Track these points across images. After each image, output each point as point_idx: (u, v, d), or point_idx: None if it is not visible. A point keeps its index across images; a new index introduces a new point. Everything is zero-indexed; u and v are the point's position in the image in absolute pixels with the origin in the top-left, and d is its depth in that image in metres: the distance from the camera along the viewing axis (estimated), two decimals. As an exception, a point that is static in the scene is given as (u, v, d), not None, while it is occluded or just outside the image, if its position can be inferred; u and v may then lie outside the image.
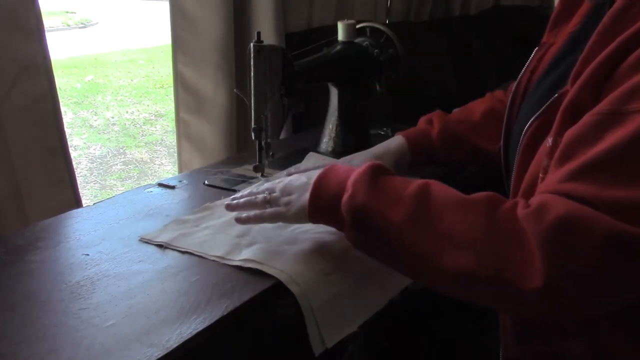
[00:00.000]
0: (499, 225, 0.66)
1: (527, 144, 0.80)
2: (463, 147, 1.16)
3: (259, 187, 0.91)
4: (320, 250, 0.87)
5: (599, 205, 0.61)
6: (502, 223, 0.66)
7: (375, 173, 0.76)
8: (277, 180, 0.89)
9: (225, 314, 0.73)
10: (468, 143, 1.15)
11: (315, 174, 0.82)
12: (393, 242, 0.71)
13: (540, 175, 0.74)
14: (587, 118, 0.67)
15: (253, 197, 0.88)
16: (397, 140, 1.17)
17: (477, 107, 1.20)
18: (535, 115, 0.79)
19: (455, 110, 1.22)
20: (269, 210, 0.86)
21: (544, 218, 0.63)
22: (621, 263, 0.61)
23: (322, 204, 0.79)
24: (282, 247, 0.87)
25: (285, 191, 0.85)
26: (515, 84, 0.98)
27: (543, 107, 0.78)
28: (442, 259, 0.67)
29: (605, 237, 0.60)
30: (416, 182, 0.74)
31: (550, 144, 0.72)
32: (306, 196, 0.80)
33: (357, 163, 1.06)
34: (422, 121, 1.22)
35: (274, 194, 0.86)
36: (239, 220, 0.89)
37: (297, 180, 0.85)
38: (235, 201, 0.90)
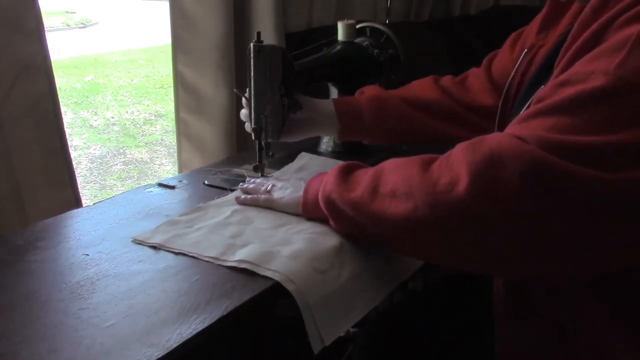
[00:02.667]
0: (432, 168, 0.72)
1: None
2: (393, 113, 1.19)
3: (268, 181, 1.06)
4: (314, 250, 0.87)
5: (531, 141, 0.65)
6: (437, 165, 0.72)
7: (344, 169, 0.88)
8: (282, 179, 1.05)
9: (225, 314, 0.73)
10: (400, 110, 1.19)
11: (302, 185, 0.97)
12: (357, 217, 0.82)
13: None
14: (561, 76, 0.70)
15: (261, 185, 1.05)
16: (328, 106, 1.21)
17: (416, 85, 1.25)
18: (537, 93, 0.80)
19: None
20: (264, 196, 1.01)
21: (477, 149, 0.68)
22: (541, 191, 0.63)
23: (309, 201, 0.94)
24: (275, 248, 0.87)
25: (284, 186, 1.01)
26: (505, 87, 1.01)
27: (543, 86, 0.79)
28: (389, 213, 0.75)
29: (529, 164, 0.63)
30: (377, 166, 0.83)
31: None
32: (300, 193, 0.96)
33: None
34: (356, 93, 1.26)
35: (274, 187, 1.02)
36: (237, 199, 1.03)
37: (298, 180, 1.02)
38: (246, 185, 1.07)
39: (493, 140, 0.68)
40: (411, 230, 0.75)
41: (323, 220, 0.95)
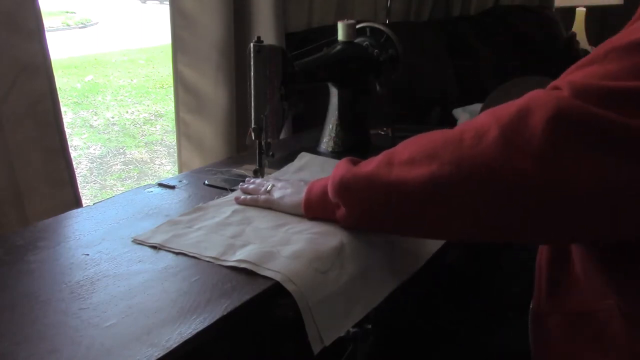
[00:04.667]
0: (454, 130, 0.70)
1: None
2: None
3: (267, 180, 1.06)
4: (314, 250, 0.87)
5: (564, 87, 0.64)
6: (461, 126, 0.70)
7: (352, 160, 0.87)
8: (281, 178, 1.06)
9: (225, 314, 0.73)
10: None
11: (303, 186, 0.97)
12: (374, 194, 0.78)
13: None
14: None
15: (261, 186, 1.04)
16: None
17: None
18: None
19: None
20: (264, 196, 1.01)
21: (508, 107, 0.67)
22: (569, 136, 0.62)
23: (313, 199, 0.93)
24: (276, 248, 0.87)
25: (284, 186, 1.01)
26: None
27: None
28: (412, 180, 0.72)
29: (554, 110, 0.62)
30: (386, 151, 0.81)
31: None
32: (301, 195, 0.95)
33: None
34: None
35: (274, 187, 1.02)
36: (237, 199, 1.04)
37: (298, 182, 1.02)
38: (246, 185, 1.07)
39: (527, 95, 0.67)
40: (437, 194, 0.71)
41: (324, 220, 0.95)
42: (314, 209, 0.94)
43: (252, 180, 1.09)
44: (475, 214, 0.70)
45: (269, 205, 1.01)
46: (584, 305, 0.81)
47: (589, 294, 0.80)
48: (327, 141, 1.37)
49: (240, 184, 1.09)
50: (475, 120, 0.69)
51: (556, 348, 0.86)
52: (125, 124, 5.26)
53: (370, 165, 0.80)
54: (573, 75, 0.67)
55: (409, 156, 0.73)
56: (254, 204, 1.02)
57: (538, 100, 0.65)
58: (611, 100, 0.62)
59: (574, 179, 0.63)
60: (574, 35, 3.18)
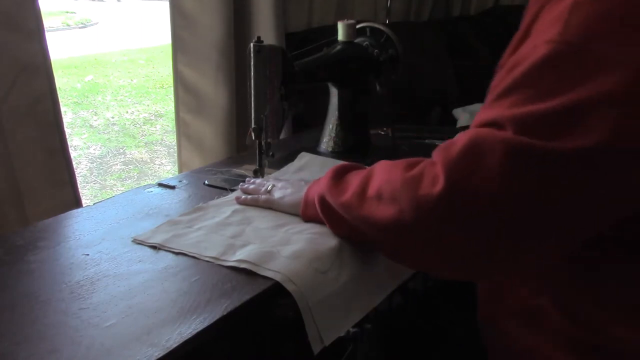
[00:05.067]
0: (414, 171, 0.72)
1: None
2: None
3: (267, 180, 1.07)
4: (314, 250, 0.87)
5: (503, 122, 0.65)
6: (419, 167, 0.72)
7: (338, 171, 0.89)
8: (281, 178, 1.08)
9: (225, 314, 0.73)
10: None
11: (304, 186, 0.99)
12: (350, 220, 0.83)
13: None
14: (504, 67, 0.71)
15: (261, 186, 1.05)
16: None
17: None
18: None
19: None
20: (264, 196, 1.02)
21: (451, 149, 0.68)
22: (523, 175, 0.63)
23: (309, 204, 0.95)
24: (276, 248, 0.87)
25: (285, 186, 1.02)
26: None
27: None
28: (376, 217, 0.76)
29: (504, 152, 0.63)
30: (368, 168, 0.84)
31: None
32: (301, 195, 0.97)
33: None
34: None
35: (274, 187, 1.03)
36: (237, 199, 1.04)
37: (299, 182, 1.03)
38: (246, 185, 1.08)
39: (464, 135, 0.68)
40: (399, 233, 0.74)
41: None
42: (309, 213, 0.95)
43: (252, 180, 1.10)
44: (436, 253, 0.73)
45: (269, 205, 1.01)
46: (525, 303, 0.82)
47: (526, 292, 0.82)
48: (327, 141, 1.37)
49: (241, 184, 1.09)
50: (430, 163, 0.71)
51: (507, 345, 0.87)
52: (125, 124, 5.26)
53: (348, 191, 0.83)
54: (500, 107, 0.67)
55: (377, 192, 0.77)
56: (254, 204, 1.03)
57: (482, 140, 0.65)
58: (546, 127, 0.63)
59: (529, 210, 0.65)
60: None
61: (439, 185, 0.66)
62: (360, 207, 0.79)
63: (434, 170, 0.69)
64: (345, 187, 0.84)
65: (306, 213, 0.96)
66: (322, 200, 0.89)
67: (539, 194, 0.63)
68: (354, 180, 0.84)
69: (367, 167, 0.86)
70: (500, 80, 0.69)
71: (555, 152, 0.61)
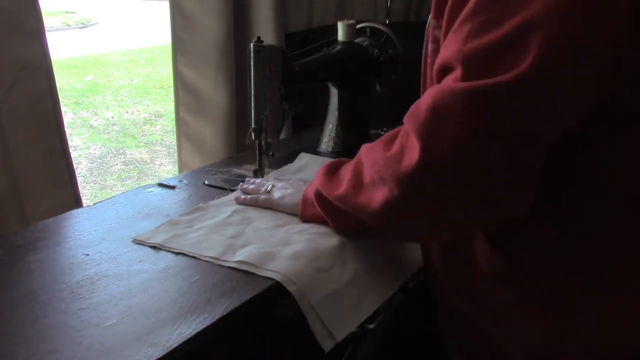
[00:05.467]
0: (393, 148, 0.73)
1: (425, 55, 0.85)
2: None
3: (267, 180, 1.08)
4: (314, 249, 0.87)
5: (457, 64, 0.65)
6: (396, 145, 0.73)
7: (329, 168, 0.90)
8: (281, 178, 1.09)
9: (225, 314, 0.73)
10: None
11: (302, 187, 1.00)
12: (346, 209, 0.83)
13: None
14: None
15: (261, 186, 1.06)
16: None
17: None
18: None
19: None
20: (264, 196, 1.03)
21: (418, 114, 0.69)
22: (491, 116, 0.64)
23: (307, 203, 0.96)
24: (276, 248, 0.87)
25: (285, 187, 1.03)
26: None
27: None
28: (371, 202, 0.76)
29: (464, 104, 0.64)
30: (355, 158, 0.85)
31: (433, 25, 0.77)
32: (299, 195, 0.98)
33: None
34: None
35: (274, 187, 1.04)
36: (237, 199, 1.05)
37: (298, 181, 1.05)
38: (246, 185, 1.09)
39: (427, 95, 0.69)
40: (394, 213, 0.75)
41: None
42: (308, 215, 0.96)
43: (252, 180, 1.10)
44: (432, 221, 0.74)
45: (269, 205, 1.02)
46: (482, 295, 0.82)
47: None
48: (327, 141, 1.37)
49: (240, 184, 1.10)
50: (404, 135, 0.72)
51: (438, 267, 0.87)
52: (125, 124, 5.26)
53: (342, 183, 0.84)
54: (454, 44, 0.67)
55: (369, 177, 0.78)
56: (254, 204, 1.03)
57: (443, 97, 0.66)
58: (496, 59, 0.63)
59: (510, 146, 0.66)
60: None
61: (415, 153, 0.67)
62: (356, 195, 0.80)
63: (409, 142, 0.70)
64: (340, 179, 0.85)
65: (305, 213, 0.96)
66: (319, 196, 0.89)
67: (504, 129, 0.64)
68: (346, 172, 0.85)
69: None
70: (452, 11, 0.70)
71: (503, 84, 0.62)
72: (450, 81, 0.67)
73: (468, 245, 0.81)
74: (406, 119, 0.72)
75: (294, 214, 0.99)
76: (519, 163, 0.67)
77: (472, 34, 0.66)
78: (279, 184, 1.04)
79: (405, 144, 0.71)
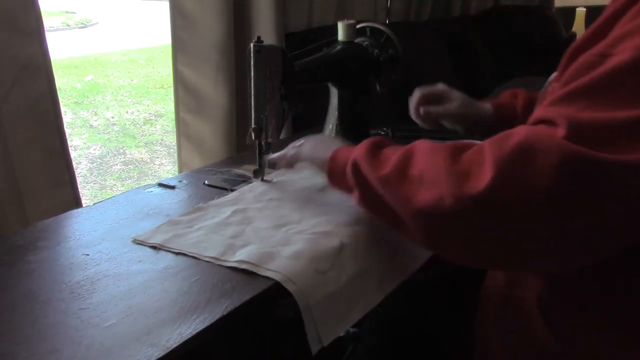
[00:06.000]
0: (461, 158, 0.70)
1: None
2: None
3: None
4: (314, 250, 0.87)
5: (561, 122, 0.63)
6: (465, 156, 0.70)
7: (375, 144, 0.86)
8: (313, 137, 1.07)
9: (225, 314, 0.73)
10: None
11: (337, 145, 0.96)
12: (383, 195, 0.79)
13: None
14: (579, 59, 0.69)
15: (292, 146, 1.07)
16: (487, 109, 1.21)
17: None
18: (554, 74, 0.81)
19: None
20: (293, 151, 1.05)
21: (505, 142, 0.66)
22: (574, 185, 0.61)
23: (335, 170, 0.92)
24: (276, 248, 0.87)
25: (316, 141, 1.03)
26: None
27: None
28: (415, 200, 0.73)
29: (559, 158, 0.61)
30: (407, 145, 0.81)
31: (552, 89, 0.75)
32: (329, 153, 0.94)
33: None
34: (506, 95, 1.23)
35: (306, 142, 1.04)
36: (271, 160, 1.09)
37: (329, 140, 1.03)
38: (274, 155, 1.10)
39: (521, 131, 0.66)
40: (433, 220, 0.72)
41: (323, 221, 0.94)
42: (336, 179, 0.93)
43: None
44: (467, 244, 0.72)
45: (297, 160, 1.03)
46: (510, 291, 0.84)
47: (517, 278, 0.83)
48: (327, 141, 1.37)
49: (270, 156, 1.11)
50: (478, 153, 0.69)
51: (491, 323, 0.88)
52: (125, 124, 5.26)
53: (387, 166, 0.79)
54: (564, 107, 0.65)
55: (419, 173, 0.74)
56: (282, 160, 1.06)
57: (537, 141, 0.63)
58: (610, 137, 0.61)
59: (576, 222, 0.64)
60: (574, 35, 3.18)
61: (485, 181, 0.65)
62: (399, 185, 0.76)
63: (482, 164, 0.67)
64: (383, 160, 0.81)
65: (332, 174, 0.93)
66: (356, 167, 0.85)
67: (587, 205, 0.62)
68: (393, 155, 0.80)
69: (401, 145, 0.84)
70: (575, 73, 0.67)
71: (617, 164, 0.60)
72: (553, 132, 0.64)
73: (524, 322, 0.81)
74: (490, 142, 0.68)
75: (319, 170, 0.98)
76: (586, 244, 0.65)
77: (590, 103, 0.63)
78: (312, 138, 1.03)
79: (476, 164, 0.68)
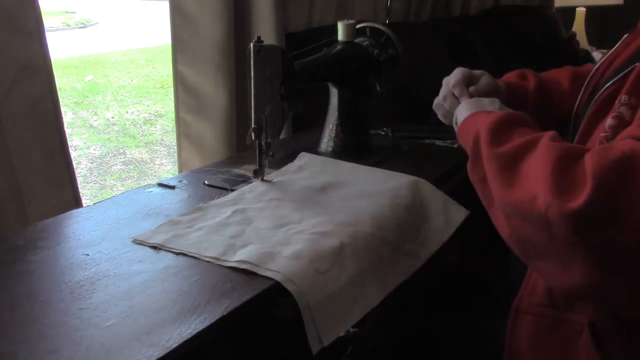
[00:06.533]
0: (565, 177, 0.68)
1: (596, 110, 0.81)
2: (552, 110, 1.15)
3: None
4: (314, 250, 0.87)
5: None
6: (569, 174, 0.68)
7: (510, 120, 0.83)
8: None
9: (225, 314, 0.73)
10: (556, 108, 1.14)
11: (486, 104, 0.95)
12: (487, 171, 0.78)
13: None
14: None
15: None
16: (502, 88, 1.20)
17: (563, 74, 1.18)
18: (613, 80, 0.80)
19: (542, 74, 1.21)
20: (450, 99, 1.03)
21: (604, 157, 0.64)
22: None
23: (464, 129, 0.90)
24: (276, 248, 0.87)
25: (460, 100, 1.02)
26: (595, 66, 0.97)
27: (621, 74, 0.78)
28: (512, 193, 0.72)
29: None
30: (538, 133, 0.78)
31: (624, 101, 0.74)
32: (465, 115, 0.92)
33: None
34: (512, 75, 1.22)
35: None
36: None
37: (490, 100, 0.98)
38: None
39: (625, 145, 0.64)
40: (522, 218, 0.72)
41: (323, 221, 0.95)
42: (461, 137, 0.92)
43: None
44: (550, 249, 0.70)
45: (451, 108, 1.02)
46: (557, 312, 0.83)
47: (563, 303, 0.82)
48: (327, 141, 1.37)
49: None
50: (582, 166, 0.67)
51: (526, 348, 0.87)
52: (125, 124, 5.26)
53: (505, 144, 0.78)
54: None
55: (526, 169, 0.73)
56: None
57: None
58: None
59: None
60: (574, 35, 3.18)
61: (582, 198, 0.63)
62: (503, 169, 0.75)
63: (582, 178, 0.65)
64: (507, 138, 0.79)
65: (460, 134, 0.93)
66: (476, 139, 0.83)
67: None
68: (517, 138, 0.78)
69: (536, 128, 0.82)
70: None
71: None
72: None
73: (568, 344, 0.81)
74: (590, 155, 0.67)
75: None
76: None
77: None
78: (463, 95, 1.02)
79: (578, 177, 0.66)
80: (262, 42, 1.09)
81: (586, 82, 0.97)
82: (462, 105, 0.98)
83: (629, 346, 0.77)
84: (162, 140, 4.86)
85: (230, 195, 1.08)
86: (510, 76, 1.20)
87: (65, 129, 1.25)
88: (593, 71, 0.96)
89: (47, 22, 1.53)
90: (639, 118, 0.69)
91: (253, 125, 1.12)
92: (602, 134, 0.77)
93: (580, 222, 0.64)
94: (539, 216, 0.67)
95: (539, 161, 0.72)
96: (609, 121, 0.76)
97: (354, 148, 1.35)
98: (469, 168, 0.85)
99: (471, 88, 1.07)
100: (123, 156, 4.48)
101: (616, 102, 0.76)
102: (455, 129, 0.97)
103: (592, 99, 0.86)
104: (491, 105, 0.94)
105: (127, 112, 5.58)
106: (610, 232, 0.63)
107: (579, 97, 0.98)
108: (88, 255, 0.87)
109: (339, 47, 1.33)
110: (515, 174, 0.74)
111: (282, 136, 1.40)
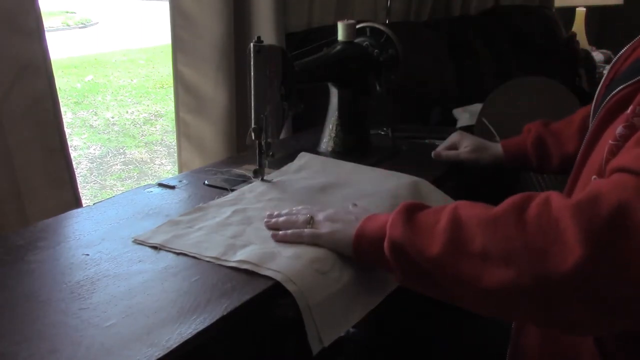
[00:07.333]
0: (530, 228, 0.64)
1: (604, 116, 0.80)
2: (553, 157, 1.20)
3: (298, 210, 0.94)
4: (315, 250, 0.87)
5: None
6: (535, 221, 0.64)
7: (409, 212, 0.77)
8: (316, 208, 0.93)
9: (225, 314, 0.73)
10: (557, 154, 1.19)
11: (362, 215, 0.85)
12: (435, 276, 0.72)
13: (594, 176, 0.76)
14: None
15: (294, 216, 0.91)
16: (497, 148, 1.28)
17: (577, 116, 1.20)
18: (621, 87, 0.77)
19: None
20: (308, 230, 0.88)
21: (595, 214, 0.60)
22: None
23: (365, 245, 0.82)
24: (277, 248, 0.87)
25: (331, 218, 0.88)
26: (606, 71, 0.95)
27: (631, 81, 0.76)
28: (483, 280, 0.66)
29: None
30: (446, 211, 0.73)
31: (638, 111, 0.70)
32: (352, 232, 0.84)
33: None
34: (525, 129, 1.27)
35: (317, 218, 0.89)
36: (275, 237, 0.90)
37: (346, 214, 0.89)
38: (274, 219, 0.93)
39: (612, 197, 0.60)
40: (509, 299, 0.67)
41: None
42: (364, 254, 0.83)
43: (275, 213, 0.95)
44: (550, 317, 0.67)
45: (316, 242, 0.87)
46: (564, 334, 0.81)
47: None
48: (327, 141, 1.37)
49: (265, 219, 0.95)
50: (554, 221, 0.63)
51: (534, 334, 0.86)
52: (125, 124, 5.25)
53: (435, 242, 0.71)
54: None
55: (482, 249, 0.67)
56: (298, 241, 0.88)
57: (635, 214, 0.58)
58: None
59: None
60: (574, 35, 3.18)
61: (574, 257, 0.59)
62: (459, 264, 0.69)
63: (566, 235, 0.61)
64: (428, 235, 0.73)
65: (361, 255, 0.83)
66: (399, 248, 0.76)
67: None
68: (436, 226, 0.72)
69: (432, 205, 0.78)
70: None
71: None
72: (633, 181, 0.60)
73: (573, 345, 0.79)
74: (572, 210, 0.62)
75: (345, 254, 0.86)
76: None
77: None
78: (321, 215, 0.89)
79: (557, 235, 0.61)
80: (262, 42, 1.09)
81: (609, 66, 0.92)
82: (331, 231, 0.87)
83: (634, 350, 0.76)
84: (162, 140, 4.86)
85: (231, 195, 1.08)
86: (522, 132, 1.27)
87: (65, 129, 1.25)
88: (616, 59, 0.92)
89: (47, 22, 1.53)
90: (632, 146, 0.66)
91: (253, 125, 1.12)
92: (611, 141, 0.72)
93: (578, 284, 0.61)
94: (530, 292, 0.64)
95: (487, 234, 0.67)
96: (619, 129, 0.72)
97: (354, 148, 1.35)
98: (400, 280, 0.78)
99: (452, 153, 1.17)
100: (123, 156, 4.48)
101: (630, 109, 0.72)
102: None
103: (608, 94, 0.82)
104: (351, 215, 0.87)
105: (127, 112, 5.57)
106: (614, 286, 0.60)
107: (597, 91, 0.94)
108: (88, 255, 0.87)
109: (339, 47, 1.33)
110: (474, 261, 0.68)
111: (282, 136, 1.40)
